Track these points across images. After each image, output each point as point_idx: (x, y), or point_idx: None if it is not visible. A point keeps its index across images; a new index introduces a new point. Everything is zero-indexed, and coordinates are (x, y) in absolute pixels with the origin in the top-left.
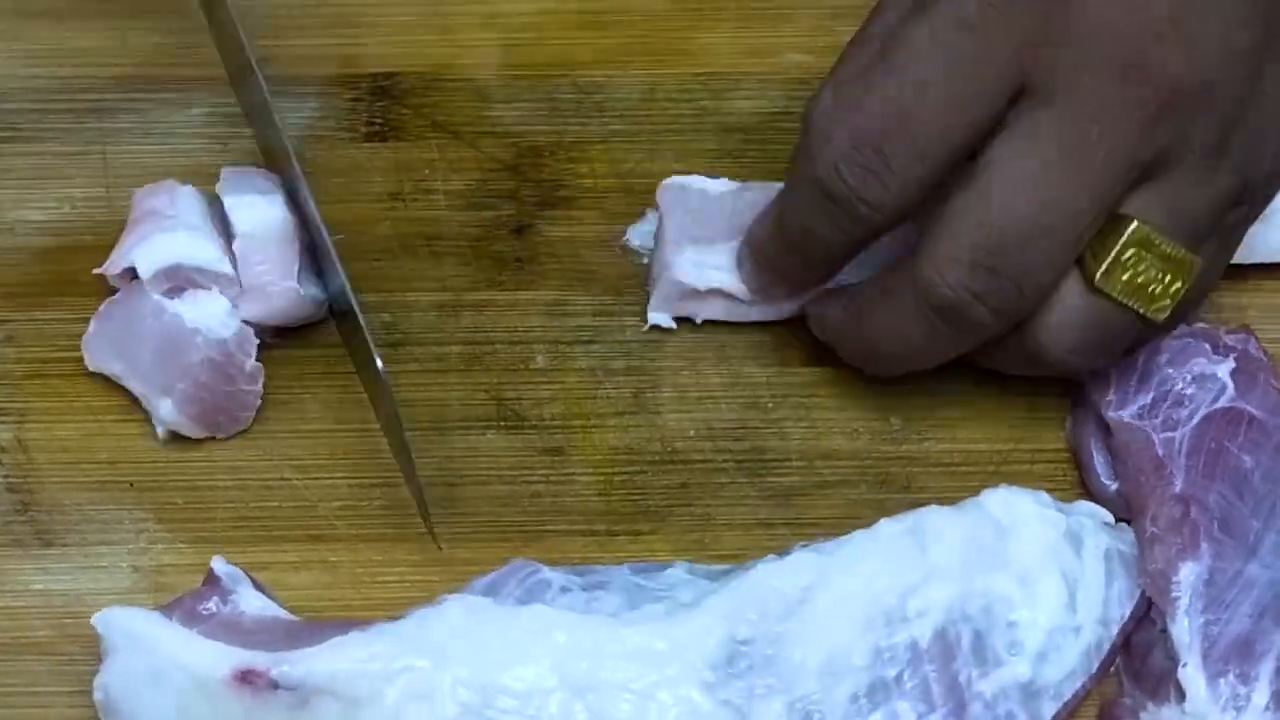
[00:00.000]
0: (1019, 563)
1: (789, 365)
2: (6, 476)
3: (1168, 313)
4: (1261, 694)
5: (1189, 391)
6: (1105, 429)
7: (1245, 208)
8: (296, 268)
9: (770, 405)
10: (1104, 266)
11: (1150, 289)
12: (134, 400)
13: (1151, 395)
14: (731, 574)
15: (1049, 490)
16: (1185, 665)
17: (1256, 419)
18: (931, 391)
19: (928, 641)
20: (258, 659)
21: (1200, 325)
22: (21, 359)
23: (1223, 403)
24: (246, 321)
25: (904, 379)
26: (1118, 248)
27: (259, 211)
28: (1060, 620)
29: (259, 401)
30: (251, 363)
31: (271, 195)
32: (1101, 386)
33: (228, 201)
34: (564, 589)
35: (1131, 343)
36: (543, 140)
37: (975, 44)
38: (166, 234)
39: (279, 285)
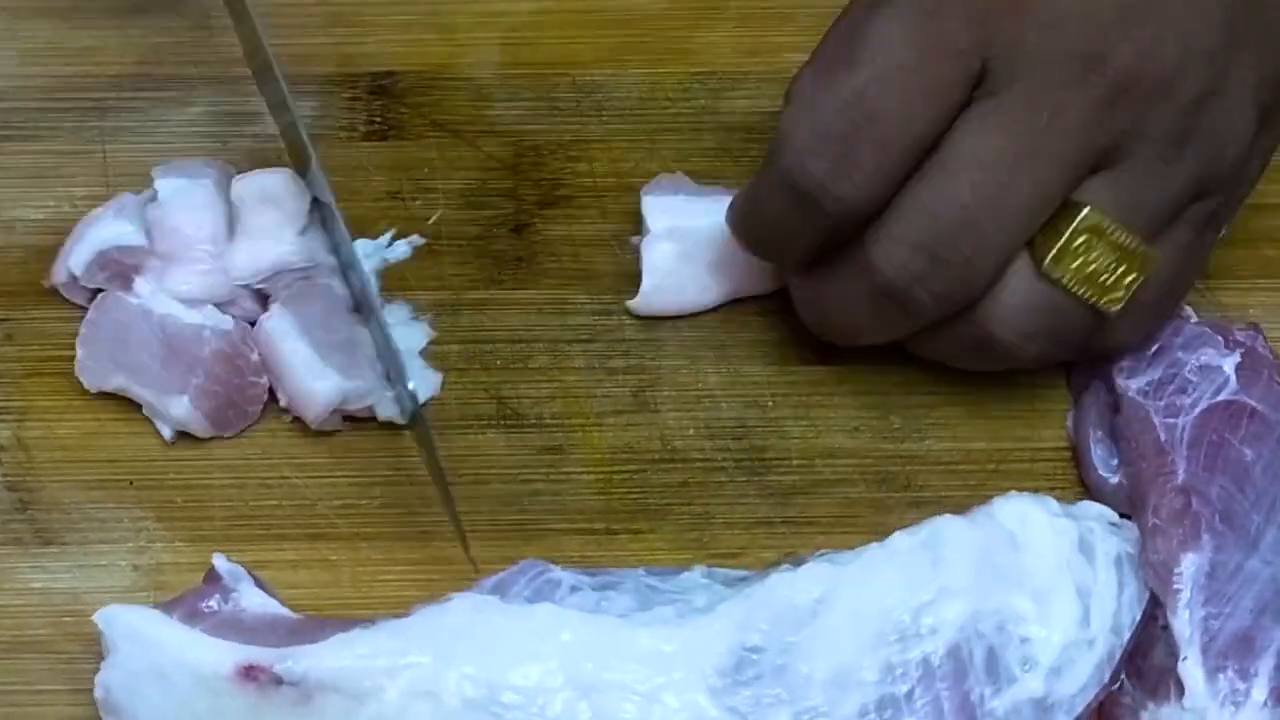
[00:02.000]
0: (1033, 579)
1: (789, 364)
2: (6, 475)
3: (1121, 304)
4: (1260, 690)
5: (1194, 379)
6: (1110, 411)
7: (1212, 200)
8: (218, 236)
9: (770, 404)
10: (1053, 252)
11: (1102, 279)
12: (134, 400)
13: (1160, 374)
14: (747, 581)
15: (1049, 489)
16: (1185, 659)
17: (1258, 413)
18: (932, 390)
19: (940, 658)
20: (261, 655)
21: (1214, 319)
22: (21, 357)
23: (1225, 395)
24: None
25: (902, 378)
26: (1068, 234)
27: (180, 183)
28: (1074, 635)
29: (265, 396)
30: (256, 355)
31: (201, 177)
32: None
33: (159, 184)
34: (574, 588)
35: (1089, 336)
36: (542, 139)
37: (934, 35)
38: (88, 228)
39: (192, 251)
